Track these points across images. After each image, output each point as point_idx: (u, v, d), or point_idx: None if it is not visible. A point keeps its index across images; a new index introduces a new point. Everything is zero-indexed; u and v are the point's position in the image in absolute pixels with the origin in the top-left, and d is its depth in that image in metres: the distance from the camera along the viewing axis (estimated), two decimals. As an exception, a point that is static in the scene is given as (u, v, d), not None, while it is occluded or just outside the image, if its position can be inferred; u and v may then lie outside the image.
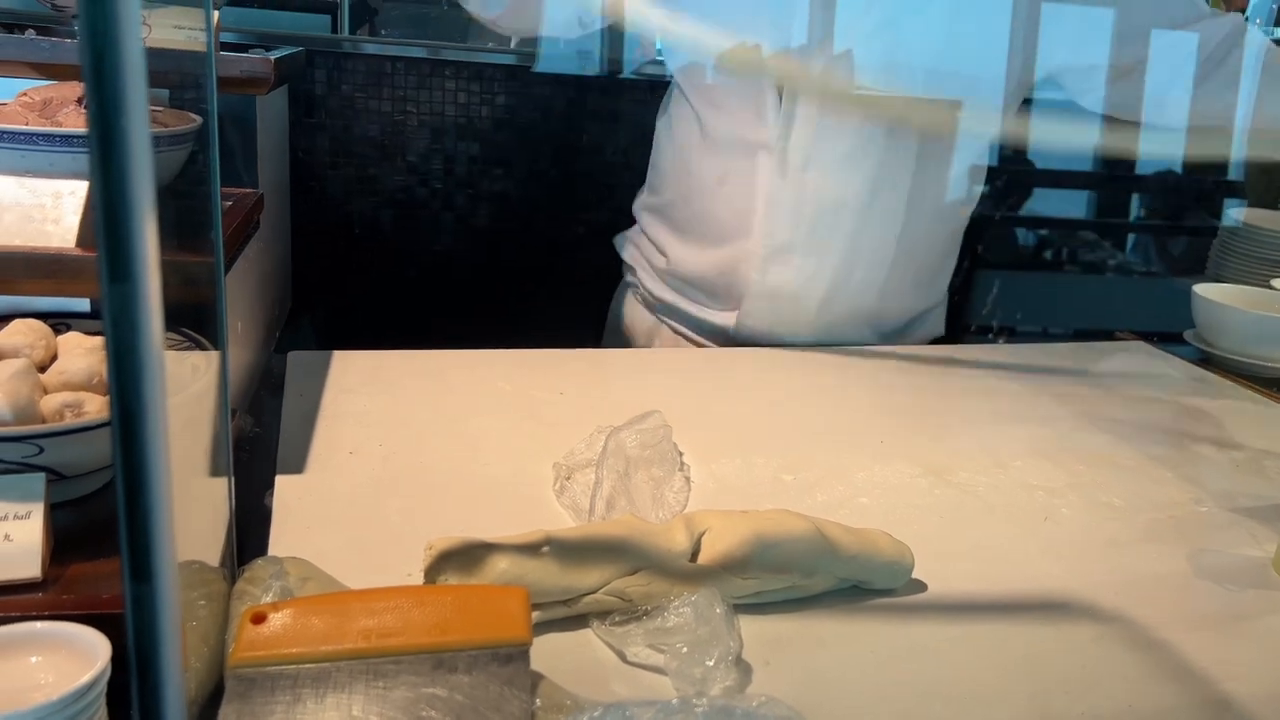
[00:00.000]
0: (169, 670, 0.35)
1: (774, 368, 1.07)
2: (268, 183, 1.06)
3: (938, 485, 0.83)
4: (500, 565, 0.58)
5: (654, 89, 1.99)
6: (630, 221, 1.37)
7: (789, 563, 0.63)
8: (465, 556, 0.59)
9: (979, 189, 1.19)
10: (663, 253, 1.23)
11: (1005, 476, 0.85)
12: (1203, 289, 1.25)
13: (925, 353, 1.16)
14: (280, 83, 0.97)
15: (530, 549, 0.60)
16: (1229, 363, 1.20)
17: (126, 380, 0.31)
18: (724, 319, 1.16)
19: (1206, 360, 1.22)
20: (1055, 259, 2.14)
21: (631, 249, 1.31)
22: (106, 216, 0.30)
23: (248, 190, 0.89)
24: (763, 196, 1.10)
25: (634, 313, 1.30)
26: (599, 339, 1.41)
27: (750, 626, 0.60)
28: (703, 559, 0.62)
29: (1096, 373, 1.13)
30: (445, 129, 1.94)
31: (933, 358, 1.09)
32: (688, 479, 0.78)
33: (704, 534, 0.63)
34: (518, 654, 0.48)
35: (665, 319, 1.24)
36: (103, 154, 0.29)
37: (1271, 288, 1.34)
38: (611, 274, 1.41)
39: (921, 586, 0.67)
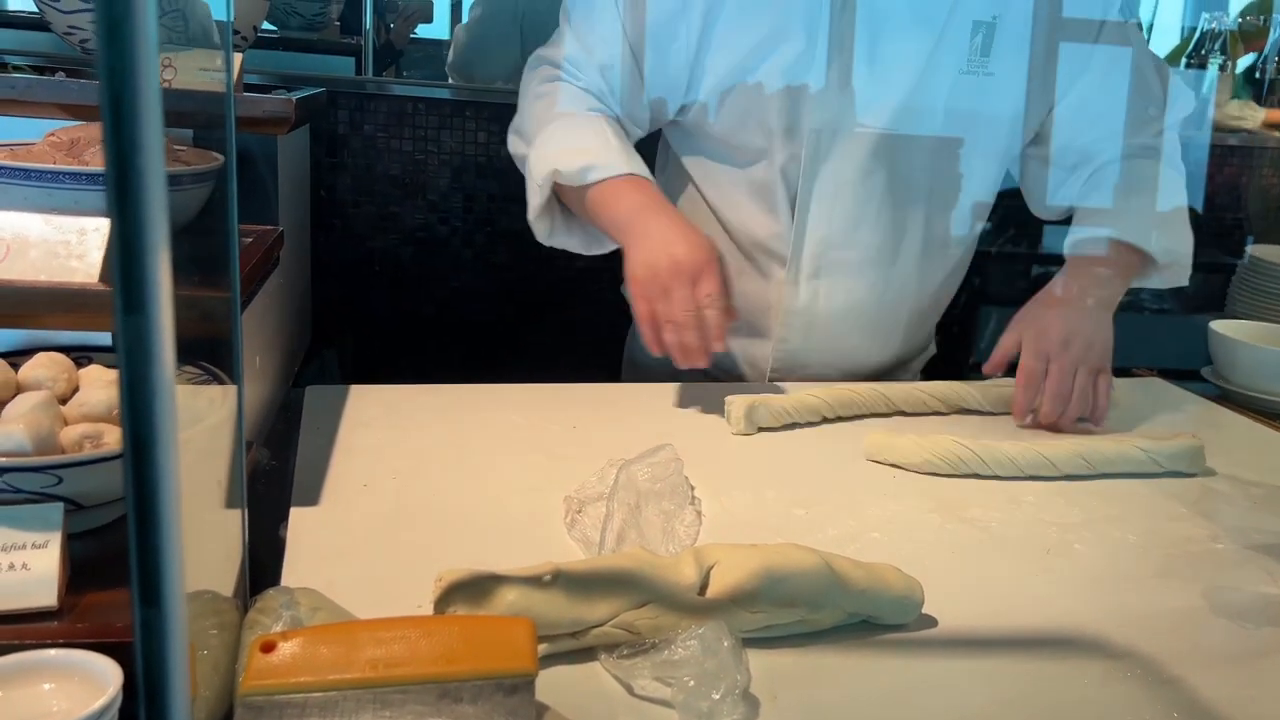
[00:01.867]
0: (176, 695, 0.36)
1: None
2: (289, 220, 1.08)
3: (949, 521, 0.83)
4: (509, 597, 0.59)
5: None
6: None
7: (797, 596, 0.63)
8: (474, 588, 0.60)
9: (980, 226, 1.21)
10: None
11: (1018, 512, 0.85)
12: (1219, 325, 1.25)
13: (941, 388, 1.16)
14: (301, 122, 1.00)
15: (539, 581, 0.60)
16: (1245, 398, 1.19)
17: (139, 408, 0.32)
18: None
19: (1223, 396, 1.22)
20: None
21: None
22: (122, 249, 0.31)
23: (268, 227, 0.91)
24: (775, 299, 1.15)
25: (652, 358, 1.27)
26: (616, 376, 1.42)
27: (758, 660, 0.60)
28: (711, 592, 0.62)
29: (1112, 408, 1.12)
30: (465, 168, 1.97)
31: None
32: (699, 512, 0.78)
33: (713, 567, 0.64)
34: (523, 684, 0.48)
35: None
36: (119, 189, 0.30)
37: None
38: (629, 312, 1.42)
39: (932, 622, 0.67)
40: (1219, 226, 2.53)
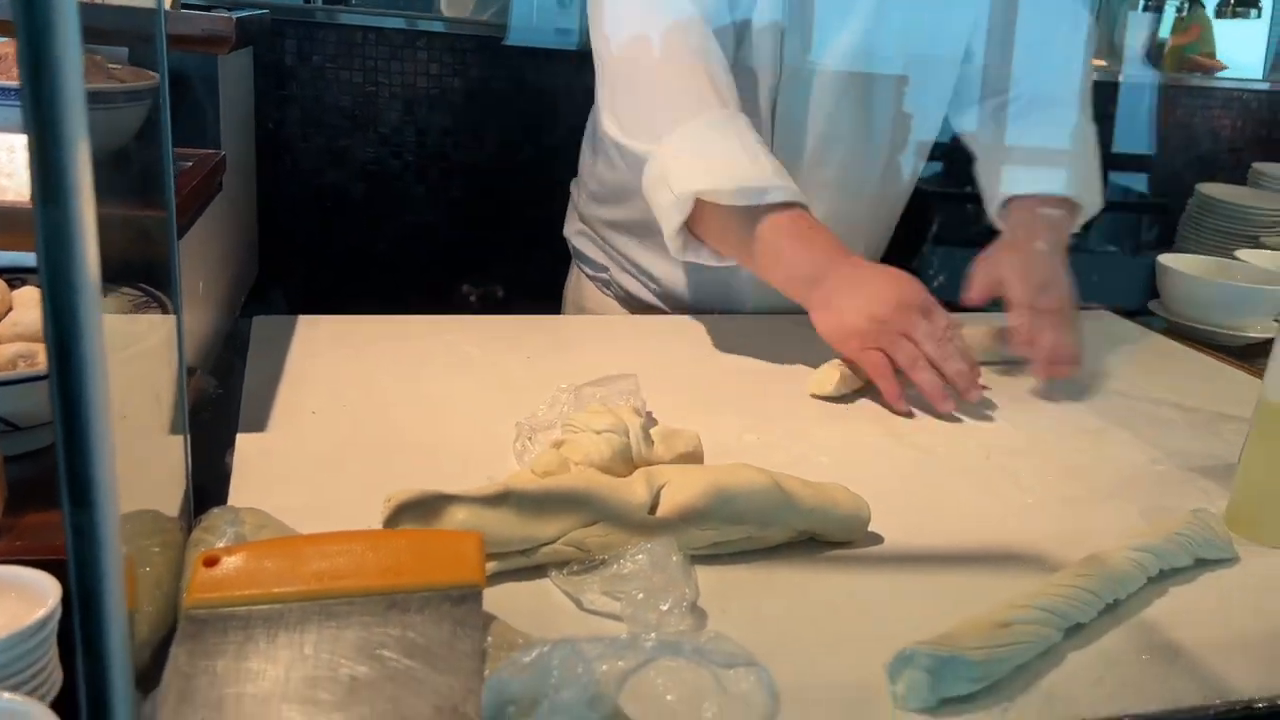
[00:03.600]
0: (110, 599, 0.35)
1: (744, 334, 1.08)
2: (233, 146, 1.05)
3: (898, 446, 0.84)
4: (459, 516, 0.59)
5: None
6: None
7: (746, 514, 0.64)
8: (424, 508, 0.59)
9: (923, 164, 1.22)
10: (649, 276, 1.19)
11: (966, 438, 0.86)
12: (1166, 258, 1.26)
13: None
14: (243, 44, 0.96)
15: (490, 500, 0.60)
16: (1191, 330, 1.22)
17: (59, 304, 0.31)
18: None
19: (1170, 329, 1.24)
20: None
21: (597, 251, 1.25)
22: (38, 137, 0.30)
23: (209, 151, 0.89)
24: None
25: (601, 302, 1.25)
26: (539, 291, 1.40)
27: (707, 575, 0.61)
28: (661, 511, 0.63)
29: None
30: (418, 101, 1.93)
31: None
32: (650, 435, 0.78)
33: (663, 487, 0.64)
34: (470, 595, 0.48)
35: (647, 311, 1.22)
36: (32, 75, 0.29)
37: (1234, 258, 1.36)
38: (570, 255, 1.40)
39: (878, 539, 0.68)
40: (1172, 167, 2.56)
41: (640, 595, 0.56)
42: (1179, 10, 3.55)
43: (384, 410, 0.82)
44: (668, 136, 0.93)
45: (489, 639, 0.47)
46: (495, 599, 0.57)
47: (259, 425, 0.77)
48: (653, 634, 0.46)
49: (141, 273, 0.72)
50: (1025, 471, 0.81)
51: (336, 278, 1.87)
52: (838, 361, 0.94)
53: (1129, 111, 2.86)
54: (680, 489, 0.63)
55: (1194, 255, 1.32)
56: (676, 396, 0.89)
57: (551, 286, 1.53)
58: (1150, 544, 0.65)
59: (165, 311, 0.70)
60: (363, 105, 1.90)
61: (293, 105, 1.85)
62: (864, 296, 0.90)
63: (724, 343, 1.04)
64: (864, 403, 0.92)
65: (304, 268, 1.79)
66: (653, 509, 0.63)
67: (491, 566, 0.58)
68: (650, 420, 0.83)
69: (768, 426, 0.85)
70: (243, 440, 0.74)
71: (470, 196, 1.99)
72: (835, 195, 1.12)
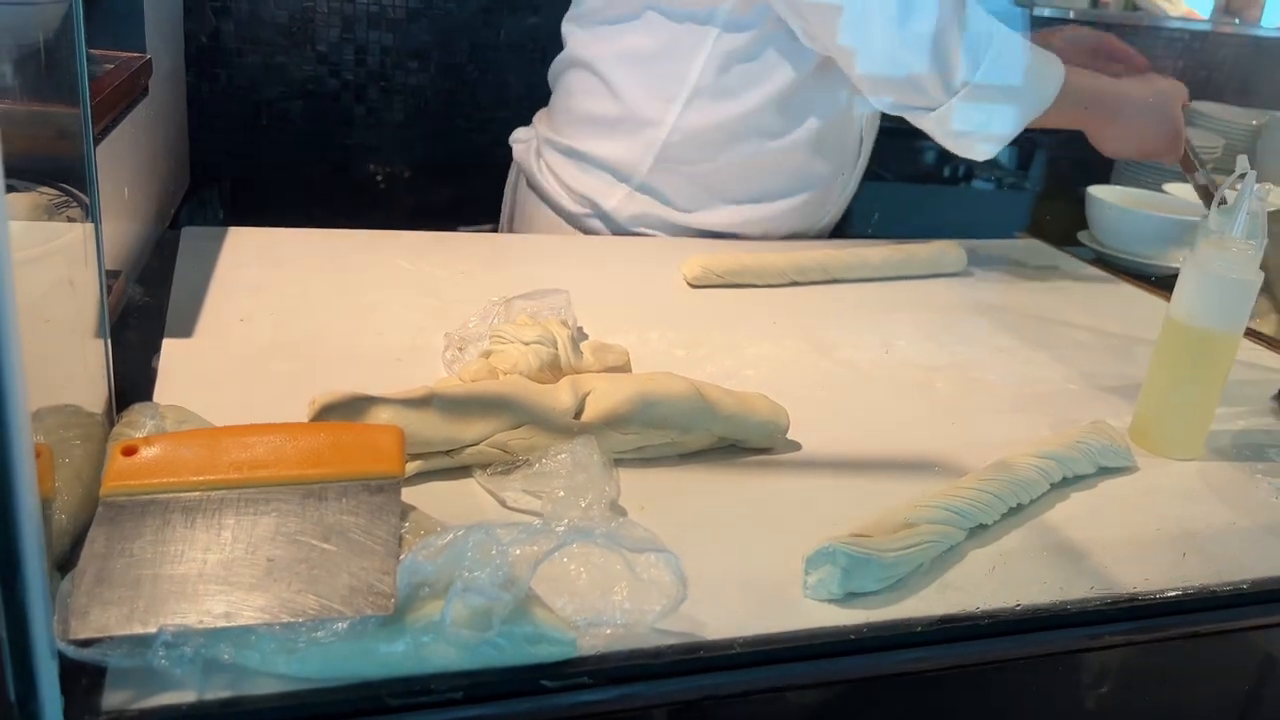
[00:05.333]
0: (20, 481, 0.35)
1: (685, 253, 1.08)
2: (160, 52, 1.03)
3: (822, 360, 0.86)
4: (383, 416, 0.59)
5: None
6: None
7: (668, 420, 0.65)
8: (348, 409, 0.60)
9: None
10: (673, 205, 1.17)
11: (888, 355, 0.89)
12: (1095, 190, 1.29)
13: (830, 245, 1.19)
14: (168, -55, 0.93)
15: (413, 403, 0.61)
16: (1116, 260, 1.25)
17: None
18: None
19: (1098, 259, 1.27)
20: (964, 173, 2.18)
21: (595, 184, 1.17)
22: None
23: (133, 55, 0.86)
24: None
25: (556, 225, 1.22)
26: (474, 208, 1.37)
27: (628, 478, 0.63)
28: (586, 417, 0.64)
29: (989, 265, 1.17)
30: (357, 18, 1.88)
31: (835, 249, 1.11)
32: (579, 345, 0.79)
33: (589, 394, 0.65)
34: (389, 485, 0.49)
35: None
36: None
37: (1163, 192, 1.39)
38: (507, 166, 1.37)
39: (795, 446, 0.70)
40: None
41: (561, 493, 0.57)
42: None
43: (313, 319, 0.82)
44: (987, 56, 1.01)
45: (406, 525, 0.48)
46: (419, 497, 0.58)
47: (186, 331, 0.76)
48: (565, 520, 0.47)
49: (61, 173, 0.70)
50: (942, 385, 0.84)
51: (271, 195, 1.84)
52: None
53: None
54: (605, 395, 0.65)
55: (1123, 187, 1.35)
56: (610, 312, 0.90)
57: (493, 209, 1.52)
58: (1054, 451, 0.68)
59: (86, 213, 0.69)
60: (300, 22, 1.85)
61: (226, 18, 1.79)
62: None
63: (660, 262, 1.05)
64: (794, 320, 0.94)
65: (238, 183, 1.76)
66: (578, 415, 0.64)
67: (415, 466, 0.59)
68: (581, 334, 0.84)
69: (699, 343, 0.86)
70: (169, 345, 0.74)
71: (412, 118, 1.95)
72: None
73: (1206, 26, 2.73)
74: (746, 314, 0.95)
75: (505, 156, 1.35)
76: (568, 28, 1.20)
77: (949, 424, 0.77)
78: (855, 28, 0.98)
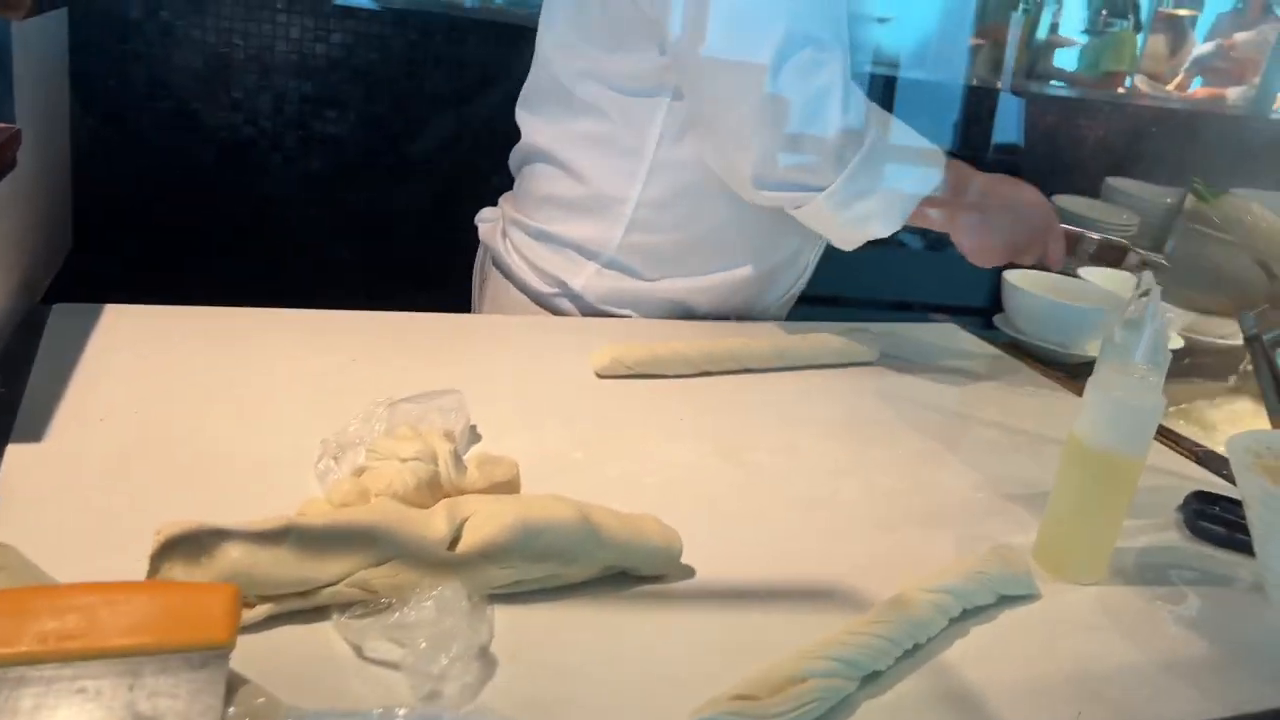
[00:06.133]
0: None
1: (600, 338, 1.05)
2: (37, 119, 0.97)
3: (727, 465, 0.83)
4: (232, 554, 0.54)
5: (501, 34, 1.93)
6: (489, 192, 1.29)
7: (551, 550, 0.61)
8: (194, 544, 0.55)
9: None
10: (641, 278, 1.15)
11: (794, 457, 0.86)
12: (1011, 275, 1.29)
13: (742, 328, 1.16)
14: (50, 6, 0.88)
15: (268, 537, 0.56)
16: (1032, 347, 1.25)
17: None
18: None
19: (1013, 344, 1.27)
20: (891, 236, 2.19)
21: (564, 263, 1.15)
22: None
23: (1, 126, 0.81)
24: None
25: (524, 306, 1.20)
26: (429, 294, 1.34)
27: (504, 616, 0.59)
28: (462, 547, 0.60)
29: (901, 352, 1.16)
30: (275, 65, 1.83)
31: (748, 337, 1.08)
32: (459, 457, 0.74)
33: (467, 520, 0.61)
34: (214, 658, 0.44)
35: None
36: None
37: (1077, 276, 1.40)
38: (453, 225, 1.33)
39: (689, 573, 0.67)
40: (1037, 173, 2.64)
41: (424, 644, 0.53)
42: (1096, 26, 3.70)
43: (181, 417, 0.76)
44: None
45: (231, 710, 0.44)
46: (268, 646, 0.53)
47: (36, 433, 0.70)
48: (402, 710, 0.43)
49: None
50: (846, 494, 0.81)
51: (170, 258, 1.76)
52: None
53: (1003, 119, 2.95)
54: (484, 523, 0.61)
55: (1039, 272, 1.35)
56: (511, 407, 0.86)
57: (410, 265, 1.47)
58: (952, 585, 0.65)
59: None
60: (215, 68, 1.79)
61: (137, 63, 1.73)
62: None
63: (573, 348, 1.01)
64: (702, 417, 0.91)
65: (131, 247, 1.68)
66: (454, 544, 0.60)
67: (265, 610, 0.55)
68: (474, 436, 0.80)
69: (599, 442, 0.83)
70: (14, 452, 0.68)
71: (330, 169, 1.90)
72: None
73: (1127, 98, 2.82)
74: (655, 409, 0.92)
75: (424, 209, 1.32)
76: (521, 114, 1.19)
77: (849, 542, 0.74)
78: (740, 99, 0.97)
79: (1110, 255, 1.19)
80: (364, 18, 1.81)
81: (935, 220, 1.06)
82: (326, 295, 1.03)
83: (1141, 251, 1.15)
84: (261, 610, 0.55)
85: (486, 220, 1.26)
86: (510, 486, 0.70)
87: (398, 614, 0.55)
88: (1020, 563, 0.71)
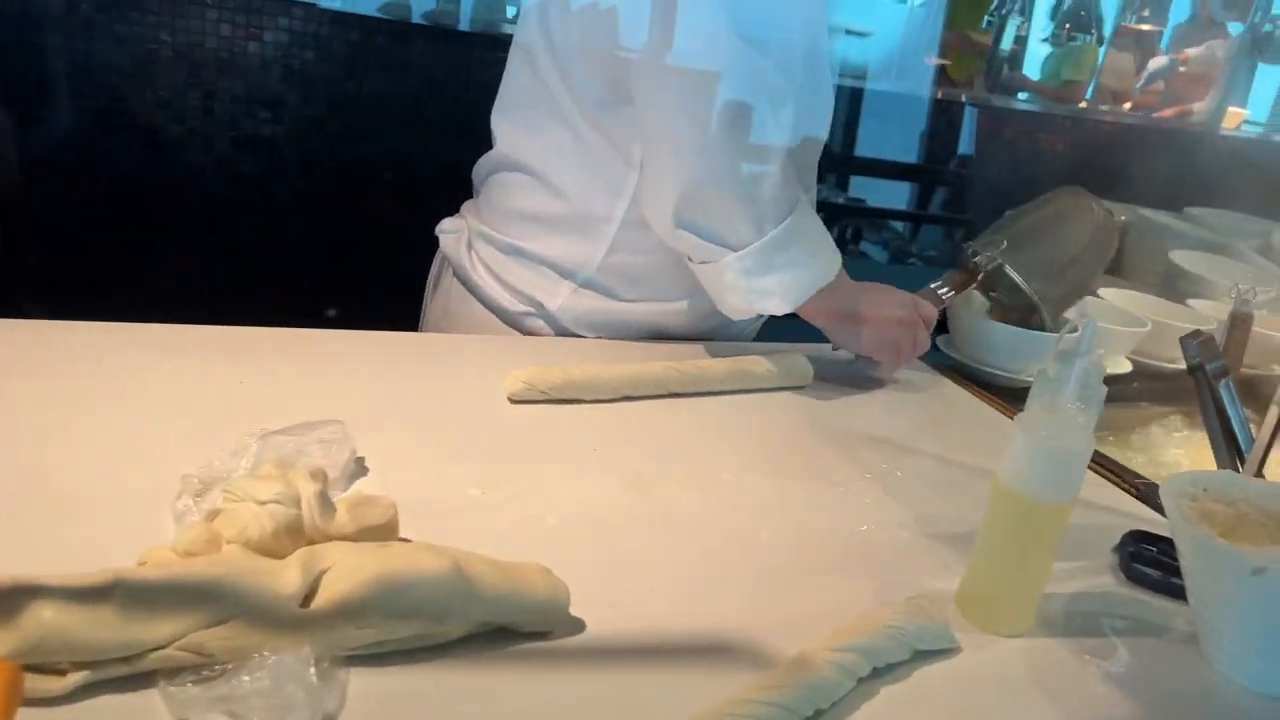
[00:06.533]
0: None
1: (518, 359, 0.99)
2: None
3: (638, 501, 0.78)
4: (44, 614, 0.48)
5: (449, 40, 1.87)
6: (438, 200, 1.23)
7: (418, 607, 0.56)
8: (5, 602, 0.49)
9: None
10: (618, 299, 1.11)
11: (711, 492, 0.81)
12: (959, 298, 1.25)
13: (673, 350, 1.11)
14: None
15: (89, 593, 0.50)
16: (978, 373, 1.21)
17: None
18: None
19: (955, 368, 1.23)
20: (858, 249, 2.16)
21: (538, 281, 1.10)
22: None
23: None
24: None
25: (490, 325, 1.14)
26: (367, 306, 1.28)
27: (362, 681, 0.53)
28: (317, 603, 0.54)
29: (839, 376, 1.11)
30: (204, 62, 1.76)
31: (675, 361, 1.03)
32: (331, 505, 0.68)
33: (325, 572, 0.55)
34: (-22, 755, 0.38)
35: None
36: None
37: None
38: (397, 234, 1.26)
39: (579, 627, 0.61)
40: (986, 184, 2.62)
41: (256, 716, 0.47)
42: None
43: (34, 447, 0.70)
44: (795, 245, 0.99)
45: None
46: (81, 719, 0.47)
47: None
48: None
49: None
50: (766, 534, 0.76)
51: (90, 264, 1.68)
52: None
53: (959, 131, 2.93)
54: (343, 576, 0.55)
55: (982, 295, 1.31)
56: (410, 438, 0.81)
57: (345, 275, 1.41)
58: (858, 642, 0.60)
59: None
60: (141, 64, 1.72)
61: (58, 57, 1.65)
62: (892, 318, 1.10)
63: (489, 369, 0.95)
64: (618, 448, 0.86)
65: (47, 254, 1.61)
66: (308, 600, 0.54)
67: (77, 679, 0.49)
68: (360, 470, 0.74)
69: (502, 479, 0.77)
70: None
71: (263, 171, 1.83)
72: None
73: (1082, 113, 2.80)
74: (568, 438, 0.86)
75: (361, 214, 1.26)
76: (497, 121, 1.14)
77: (762, 589, 0.69)
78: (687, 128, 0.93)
79: (964, 278, 1.19)
80: (299, 16, 1.75)
81: (815, 317, 1.05)
82: (253, 307, 0.97)
83: (981, 257, 1.16)
84: (74, 679, 0.49)
85: (448, 231, 1.20)
86: (386, 531, 0.64)
87: (233, 682, 0.49)
88: (938, 614, 0.66)
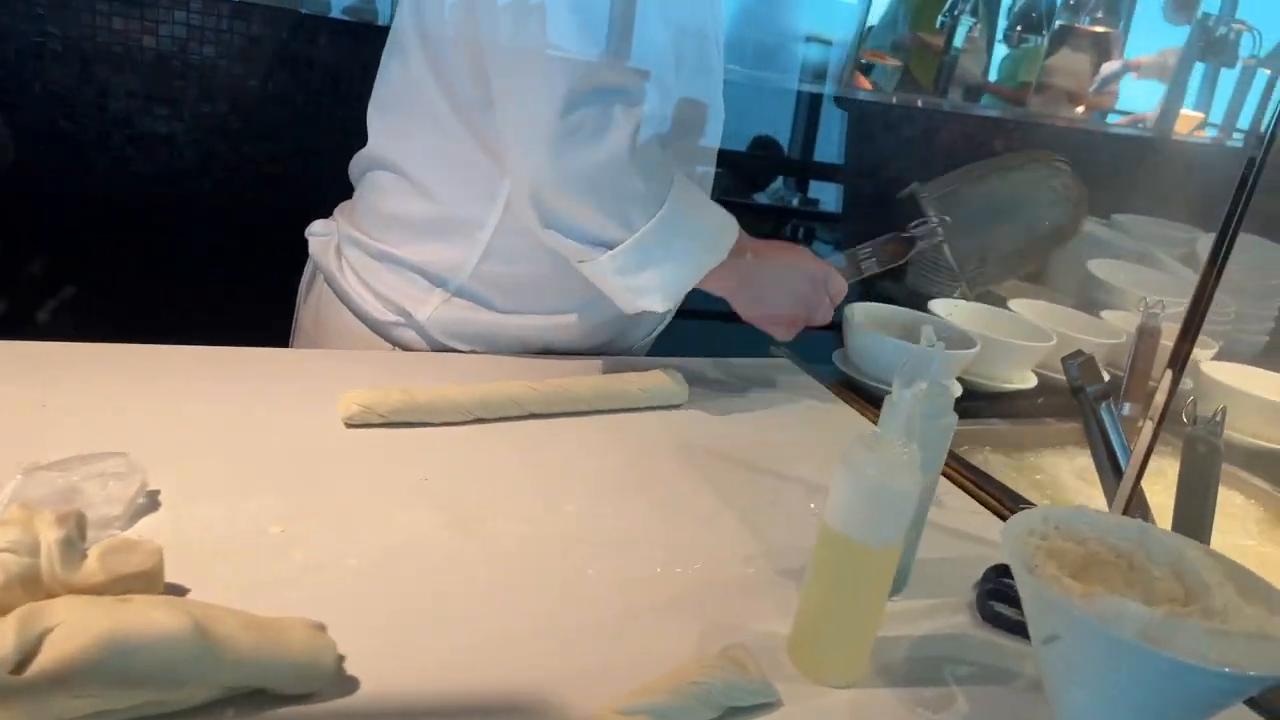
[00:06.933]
0: None
1: (363, 376, 0.94)
2: None
3: (459, 539, 0.72)
4: None
5: (356, 35, 1.80)
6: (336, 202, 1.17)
7: (151, 673, 0.50)
8: None
9: None
10: (494, 309, 1.06)
11: (548, 527, 0.76)
12: (853, 309, 1.21)
13: (533, 366, 1.06)
14: None
15: None
16: (870, 389, 1.17)
17: None
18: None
19: (847, 382, 1.19)
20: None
21: (408, 289, 1.05)
22: None
23: None
24: None
25: (359, 335, 1.08)
26: (264, 314, 1.21)
27: (72, 759, 0.48)
28: (33, 669, 0.49)
29: (720, 393, 1.07)
30: (97, 57, 1.69)
31: (535, 380, 0.98)
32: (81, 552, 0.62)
33: (48, 632, 0.50)
34: None
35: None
36: None
37: (929, 310, 1.32)
38: (298, 237, 1.20)
39: (352, 686, 0.56)
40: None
41: (-81, 811, 0.42)
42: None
43: None
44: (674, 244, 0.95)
45: None
46: None
47: None
48: None
49: None
50: (594, 572, 0.71)
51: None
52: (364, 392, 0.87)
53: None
54: (66, 637, 0.49)
55: (886, 305, 1.27)
56: (222, 467, 0.75)
57: (243, 274, 1.35)
58: (655, 703, 0.56)
59: None
60: (29, 58, 1.64)
61: (-65, 49, 1.58)
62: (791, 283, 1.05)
63: (334, 386, 0.90)
64: (453, 473, 0.80)
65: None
66: (22, 666, 0.49)
67: None
68: (153, 505, 0.69)
69: (308, 513, 0.72)
70: None
71: (160, 171, 1.76)
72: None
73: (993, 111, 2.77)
74: (400, 467, 0.81)
75: (259, 214, 1.19)
76: (372, 116, 1.08)
77: (577, 638, 0.64)
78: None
79: (896, 249, 1.13)
80: (196, 9, 1.68)
81: (711, 288, 1.00)
82: (144, 317, 0.92)
83: (926, 223, 1.11)
84: None
85: (318, 235, 1.14)
86: (147, 580, 0.58)
87: (-103, 770, 0.44)
88: (754, 666, 0.61)
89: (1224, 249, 0.89)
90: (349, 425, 0.85)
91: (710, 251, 0.97)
